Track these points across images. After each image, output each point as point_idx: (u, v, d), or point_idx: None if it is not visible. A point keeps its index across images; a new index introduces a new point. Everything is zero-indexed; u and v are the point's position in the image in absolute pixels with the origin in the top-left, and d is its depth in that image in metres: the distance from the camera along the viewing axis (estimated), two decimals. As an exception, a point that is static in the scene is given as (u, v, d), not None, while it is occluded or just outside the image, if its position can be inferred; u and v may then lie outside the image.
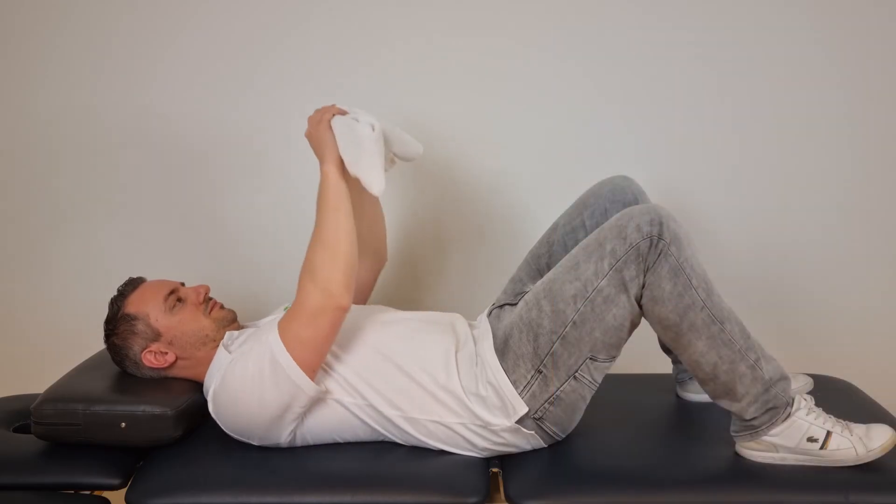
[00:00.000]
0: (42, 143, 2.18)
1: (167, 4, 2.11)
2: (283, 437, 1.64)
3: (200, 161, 2.18)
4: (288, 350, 1.57)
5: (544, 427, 1.65)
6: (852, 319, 2.24)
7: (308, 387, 1.58)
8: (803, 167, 2.17)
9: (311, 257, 1.61)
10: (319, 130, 1.67)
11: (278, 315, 1.79)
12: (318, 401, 1.63)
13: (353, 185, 1.67)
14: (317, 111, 1.71)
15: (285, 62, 2.14)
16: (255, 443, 1.66)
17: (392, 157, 1.77)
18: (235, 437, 1.67)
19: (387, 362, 1.65)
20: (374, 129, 1.65)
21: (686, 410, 1.88)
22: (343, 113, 1.69)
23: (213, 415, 1.66)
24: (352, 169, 1.63)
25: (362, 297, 1.94)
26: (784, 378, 1.60)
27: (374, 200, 1.88)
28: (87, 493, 1.62)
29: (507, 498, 1.57)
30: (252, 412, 1.60)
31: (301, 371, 1.57)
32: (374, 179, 1.63)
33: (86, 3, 2.11)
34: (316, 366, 1.60)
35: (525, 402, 1.61)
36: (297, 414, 1.62)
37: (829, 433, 1.57)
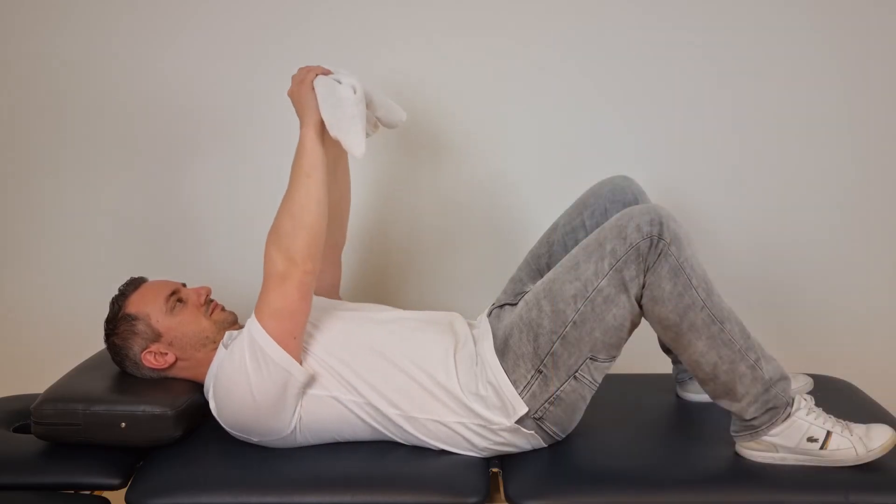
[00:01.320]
0: (42, 142, 2.18)
1: (167, 5, 2.11)
2: (283, 430, 1.64)
3: (202, 161, 2.18)
4: (264, 327, 1.57)
5: (544, 427, 1.65)
6: (852, 319, 2.24)
7: (288, 363, 1.58)
8: (803, 167, 2.17)
9: (278, 222, 1.60)
10: (301, 90, 1.65)
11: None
12: (316, 399, 1.63)
13: (332, 150, 1.65)
14: (300, 69, 1.69)
15: (285, 63, 2.13)
16: (255, 439, 1.66)
17: (375, 122, 1.74)
18: (238, 435, 1.67)
19: (386, 361, 1.65)
20: (355, 92, 1.62)
21: (686, 410, 1.88)
22: (328, 73, 1.67)
23: (214, 415, 1.66)
24: (332, 131, 1.60)
25: (332, 281, 1.94)
26: (784, 378, 1.60)
27: (346, 178, 1.87)
28: (87, 493, 1.62)
29: (507, 498, 1.57)
30: (246, 402, 1.60)
31: (279, 348, 1.57)
32: (355, 142, 1.60)
33: (84, 8, 2.11)
34: (294, 335, 1.60)
35: (525, 401, 1.61)
36: (293, 401, 1.61)
37: (829, 433, 1.57)
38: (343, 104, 1.61)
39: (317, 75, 1.66)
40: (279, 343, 1.57)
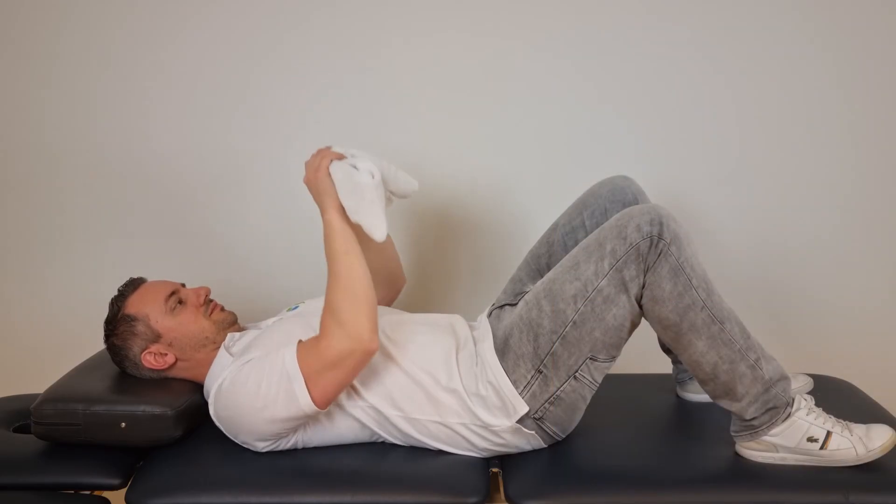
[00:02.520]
0: (42, 146, 2.18)
1: (167, 5, 2.11)
2: (280, 447, 1.64)
3: (200, 162, 2.18)
4: (306, 380, 1.56)
5: (544, 427, 1.65)
6: (852, 319, 2.24)
7: (310, 409, 1.58)
8: (804, 167, 2.17)
9: (333, 301, 1.58)
10: (318, 178, 1.65)
11: (282, 317, 1.79)
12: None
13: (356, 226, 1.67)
14: (314, 156, 1.69)
15: (283, 65, 2.13)
16: (251, 447, 1.66)
17: (389, 196, 1.75)
18: (233, 439, 1.67)
19: (387, 363, 1.65)
20: (373, 177, 1.64)
21: (686, 410, 1.88)
22: (340, 157, 1.67)
23: (212, 417, 1.66)
24: (353, 216, 1.63)
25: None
26: (784, 378, 1.60)
27: None
28: (87, 493, 1.62)
29: (507, 498, 1.57)
30: (253, 426, 1.60)
31: (314, 405, 1.57)
32: (377, 226, 1.62)
33: (86, 7, 2.11)
34: (333, 399, 1.60)
35: (525, 401, 1.61)
36: (294, 425, 1.62)
37: (829, 433, 1.57)
38: (362, 190, 1.62)
39: (331, 161, 1.66)
40: (316, 402, 1.57)
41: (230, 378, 1.61)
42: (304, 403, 1.56)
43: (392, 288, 1.95)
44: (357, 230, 1.64)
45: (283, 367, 1.57)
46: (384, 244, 1.87)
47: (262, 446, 1.64)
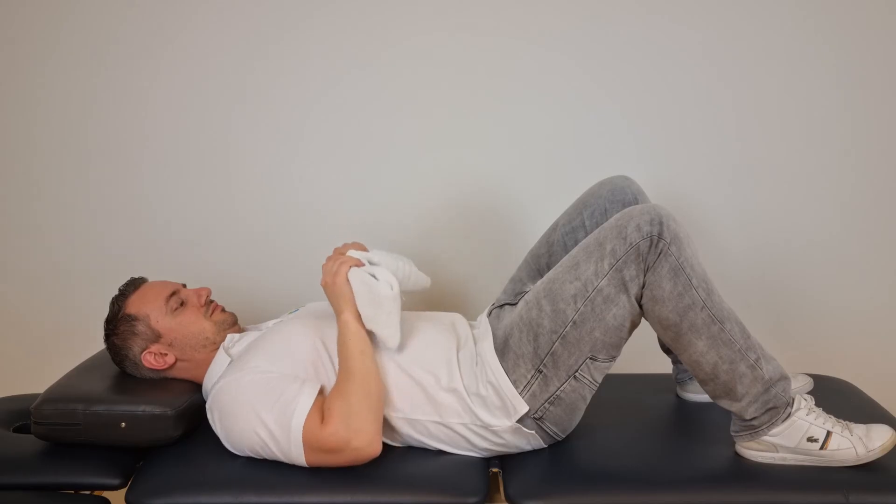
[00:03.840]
0: (42, 143, 2.18)
1: (165, 7, 2.11)
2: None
3: (200, 162, 2.18)
4: (306, 453, 1.55)
5: (544, 427, 1.65)
6: (852, 319, 2.24)
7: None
8: (804, 167, 2.17)
9: (348, 394, 1.56)
10: (337, 284, 1.65)
11: (282, 319, 1.79)
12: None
13: None
14: (331, 260, 1.69)
15: (283, 64, 2.13)
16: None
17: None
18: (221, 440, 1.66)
19: (388, 363, 1.65)
20: (392, 289, 1.65)
21: (686, 410, 1.88)
22: (359, 264, 1.68)
23: (208, 416, 1.66)
24: (368, 325, 1.64)
25: None
26: (784, 378, 1.60)
27: None
28: (87, 493, 1.63)
29: (507, 498, 1.57)
30: (243, 440, 1.59)
31: (304, 460, 1.56)
32: (391, 336, 1.65)
33: (85, 6, 2.11)
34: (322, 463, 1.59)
35: (525, 401, 1.61)
36: None
37: (829, 433, 1.57)
38: (381, 302, 1.64)
39: (350, 267, 1.66)
40: (306, 462, 1.56)
41: (235, 385, 1.60)
42: (296, 457, 1.56)
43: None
44: None
45: (289, 419, 1.55)
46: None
47: (239, 454, 1.63)
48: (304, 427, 1.54)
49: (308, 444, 1.55)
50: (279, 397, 1.56)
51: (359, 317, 1.65)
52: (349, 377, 1.58)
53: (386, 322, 1.64)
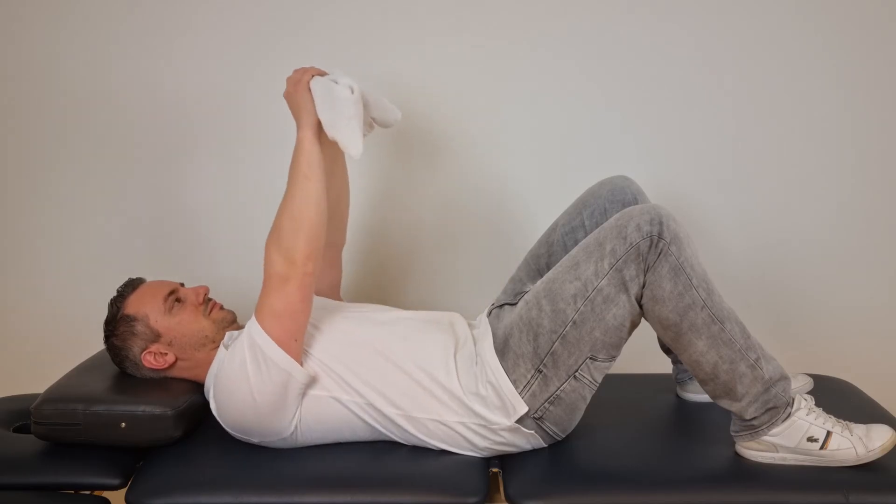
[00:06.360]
0: (40, 143, 2.18)
1: (166, 7, 2.11)
2: (284, 431, 1.64)
3: (199, 161, 2.18)
4: (265, 329, 1.57)
5: (544, 427, 1.65)
6: (852, 319, 2.24)
7: (289, 364, 1.58)
8: (803, 167, 2.17)
9: (278, 224, 1.60)
10: (298, 92, 1.64)
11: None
12: (316, 399, 1.63)
13: (328, 151, 1.65)
14: (295, 71, 1.69)
15: (283, 63, 2.13)
16: (255, 440, 1.66)
17: (371, 122, 1.74)
18: (238, 436, 1.67)
19: (386, 361, 1.65)
20: (353, 92, 1.62)
21: (686, 410, 1.88)
22: (322, 74, 1.67)
23: (215, 415, 1.66)
24: (329, 131, 1.61)
25: (332, 281, 1.94)
26: (784, 378, 1.60)
27: (344, 178, 1.87)
28: (87, 493, 1.62)
29: (507, 498, 1.57)
30: (247, 403, 1.60)
31: (280, 349, 1.57)
32: (352, 142, 1.61)
33: (84, 11, 2.11)
34: (294, 336, 1.60)
35: (525, 401, 1.61)
36: (294, 402, 1.61)
37: (829, 433, 1.57)
38: (340, 104, 1.61)
39: (312, 76, 1.66)
40: (280, 345, 1.57)
41: (217, 374, 1.63)
42: (271, 351, 1.57)
43: (333, 239, 1.89)
44: (326, 161, 1.64)
45: (248, 333, 1.59)
46: (341, 190, 1.87)
47: (261, 435, 1.64)
48: (255, 314, 1.59)
49: (265, 321, 1.57)
50: (242, 338, 1.61)
51: (318, 132, 1.63)
52: (285, 204, 1.60)
53: (346, 126, 1.61)
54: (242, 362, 1.59)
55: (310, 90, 1.64)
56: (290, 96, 1.67)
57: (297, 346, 1.61)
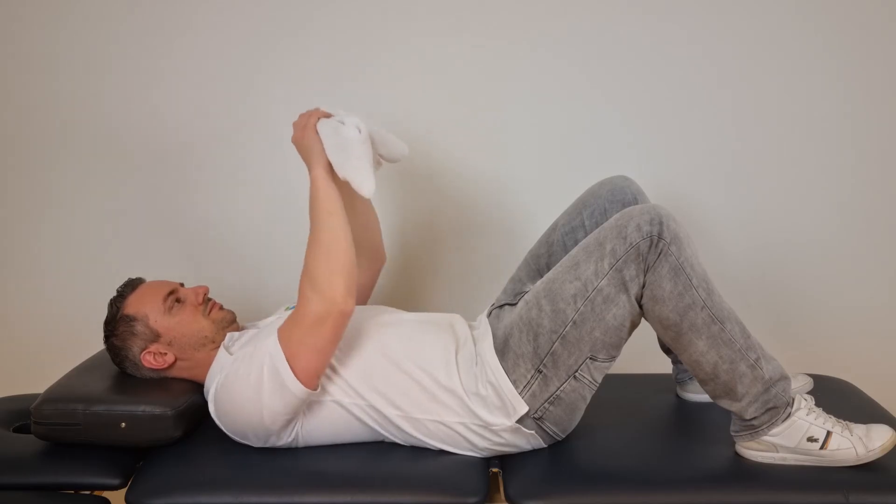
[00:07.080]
0: (40, 143, 2.18)
1: (166, 6, 2.11)
2: (281, 441, 1.65)
3: (199, 161, 2.18)
4: (288, 358, 1.56)
5: (544, 427, 1.65)
6: (852, 319, 2.24)
7: (306, 395, 1.58)
8: (804, 167, 2.17)
9: (310, 263, 1.60)
10: (305, 135, 1.66)
11: (280, 316, 1.79)
12: (317, 403, 1.63)
13: (344, 187, 1.66)
14: (301, 116, 1.70)
15: (283, 63, 2.13)
16: (253, 444, 1.66)
17: (378, 159, 1.76)
18: (235, 438, 1.67)
19: (387, 362, 1.65)
20: (360, 132, 1.64)
21: (686, 410, 1.88)
22: (328, 116, 1.68)
23: (213, 416, 1.66)
24: (340, 172, 1.62)
25: (363, 297, 1.94)
26: (784, 378, 1.60)
27: (366, 201, 1.88)
28: (87, 493, 1.62)
29: (507, 498, 1.57)
30: (252, 418, 1.60)
31: (300, 384, 1.57)
32: (364, 181, 1.62)
33: (87, 6, 2.11)
34: (319, 371, 1.60)
35: (525, 401, 1.61)
36: (296, 419, 1.63)
37: (829, 433, 1.57)
38: (349, 145, 1.63)
39: (318, 119, 1.67)
40: (301, 380, 1.57)
41: (226, 375, 1.62)
42: (291, 383, 1.56)
43: (373, 263, 1.94)
44: (345, 194, 1.65)
45: (267, 354, 1.58)
46: (367, 216, 1.88)
47: (262, 442, 1.64)
48: (278, 336, 1.57)
49: (289, 350, 1.56)
50: (259, 351, 1.60)
51: (329, 171, 1.63)
52: (314, 243, 1.60)
53: (357, 167, 1.62)
54: (258, 383, 1.57)
55: (317, 133, 1.65)
56: (298, 141, 1.68)
57: (317, 381, 1.61)
